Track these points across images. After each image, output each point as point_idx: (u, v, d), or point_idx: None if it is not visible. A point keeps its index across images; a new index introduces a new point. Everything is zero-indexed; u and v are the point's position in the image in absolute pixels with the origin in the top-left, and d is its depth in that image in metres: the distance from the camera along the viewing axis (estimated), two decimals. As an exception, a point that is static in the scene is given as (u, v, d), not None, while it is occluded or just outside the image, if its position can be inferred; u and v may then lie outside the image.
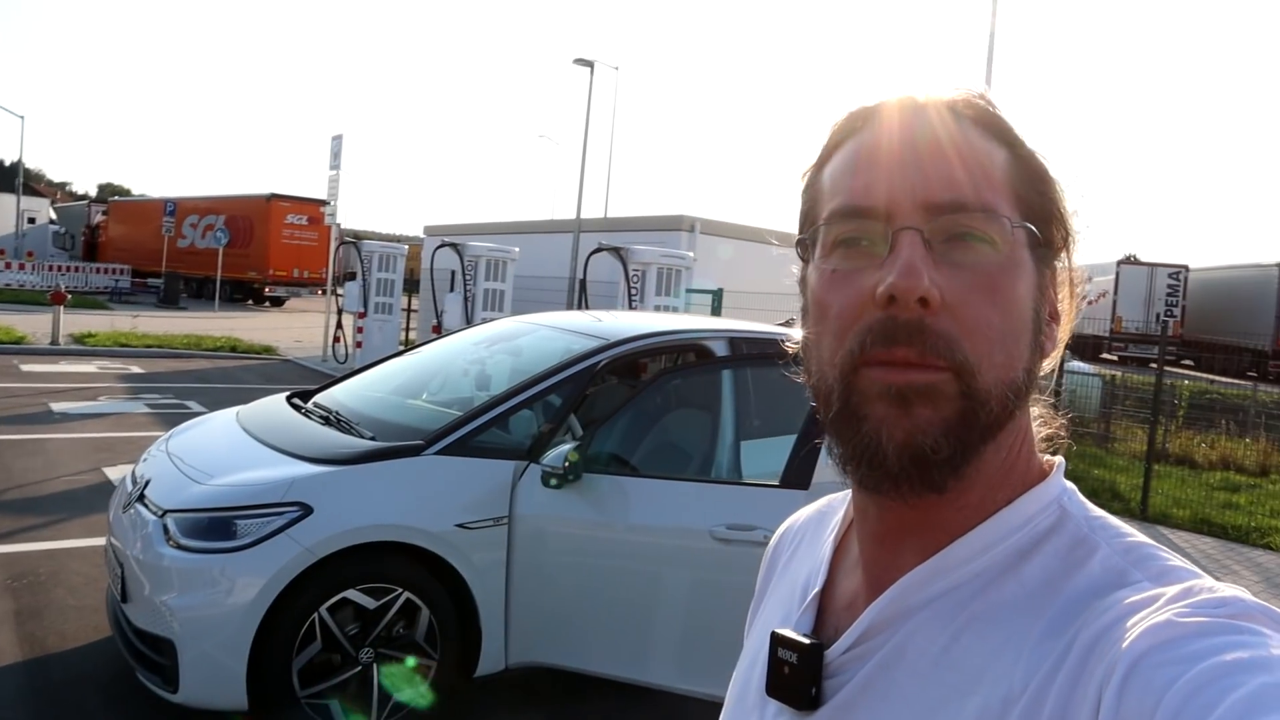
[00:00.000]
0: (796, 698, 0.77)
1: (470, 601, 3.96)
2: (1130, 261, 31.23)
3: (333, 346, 17.53)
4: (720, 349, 4.75)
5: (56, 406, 10.90)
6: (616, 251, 12.43)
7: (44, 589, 5.33)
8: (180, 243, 35.62)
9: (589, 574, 4.02)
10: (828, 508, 0.94)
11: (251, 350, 18.37)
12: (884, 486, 0.71)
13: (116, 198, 54.03)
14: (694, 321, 5.76)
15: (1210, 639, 0.57)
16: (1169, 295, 30.61)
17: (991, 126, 0.74)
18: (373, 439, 4.23)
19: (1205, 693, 0.54)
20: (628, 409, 4.34)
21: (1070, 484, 0.76)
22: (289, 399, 5.04)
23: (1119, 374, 16.37)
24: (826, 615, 0.82)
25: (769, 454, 4.27)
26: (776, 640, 0.80)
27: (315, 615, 3.73)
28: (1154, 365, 10.77)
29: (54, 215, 52.44)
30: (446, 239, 15.52)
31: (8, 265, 31.63)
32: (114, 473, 7.92)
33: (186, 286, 33.58)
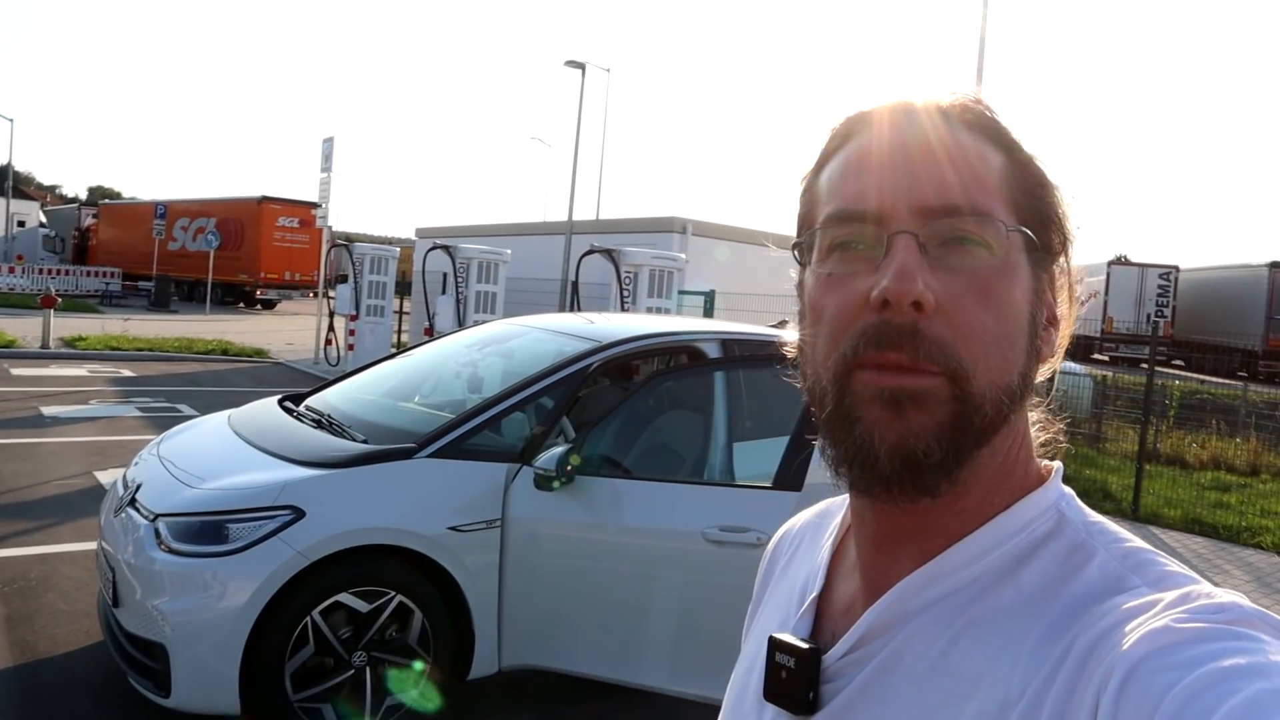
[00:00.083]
0: (794, 702, 0.77)
1: (463, 604, 3.95)
2: (1121, 262, 31.28)
3: (324, 349, 17.50)
4: (713, 351, 4.75)
5: (47, 410, 10.86)
6: (609, 253, 12.44)
7: (35, 594, 5.31)
8: (171, 246, 35.52)
9: (582, 576, 4.02)
10: (826, 512, 0.94)
11: (243, 353, 18.32)
12: (876, 489, 0.71)
13: (107, 201, 53.81)
14: (686, 323, 5.77)
15: (1208, 645, 0.57)
16: (1160, 296, 30.70)
17: (988, 131, 0.74)
18: (365, 442, 4.21)
19: (1203, 698, 0.54)
20: (620, 411, 4.33)
21: (1068, 489, 0.76)
22: (281, 402, 5.02)
23: (1110, 374, 16.42)
24: (824, 620, 0.82)
25: (761, 456, 4.27)
26: (774, 645, 0.79)
27: (308, 619, 3.72)
28: (1145, 365, 10.81)
29: (44, 218, 52.32)
30: (438, 241, 15.52)
31: (-3, 269, 31.54)
32: (105, 477, 7.89)
33: (177, 289, 33.46)
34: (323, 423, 4.54)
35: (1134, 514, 9.34)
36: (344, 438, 4.31)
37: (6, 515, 6.69)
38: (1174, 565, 0.68)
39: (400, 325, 19.75)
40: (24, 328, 18.08)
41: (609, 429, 4.29)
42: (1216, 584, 0.63)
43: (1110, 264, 31.00)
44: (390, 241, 37.75)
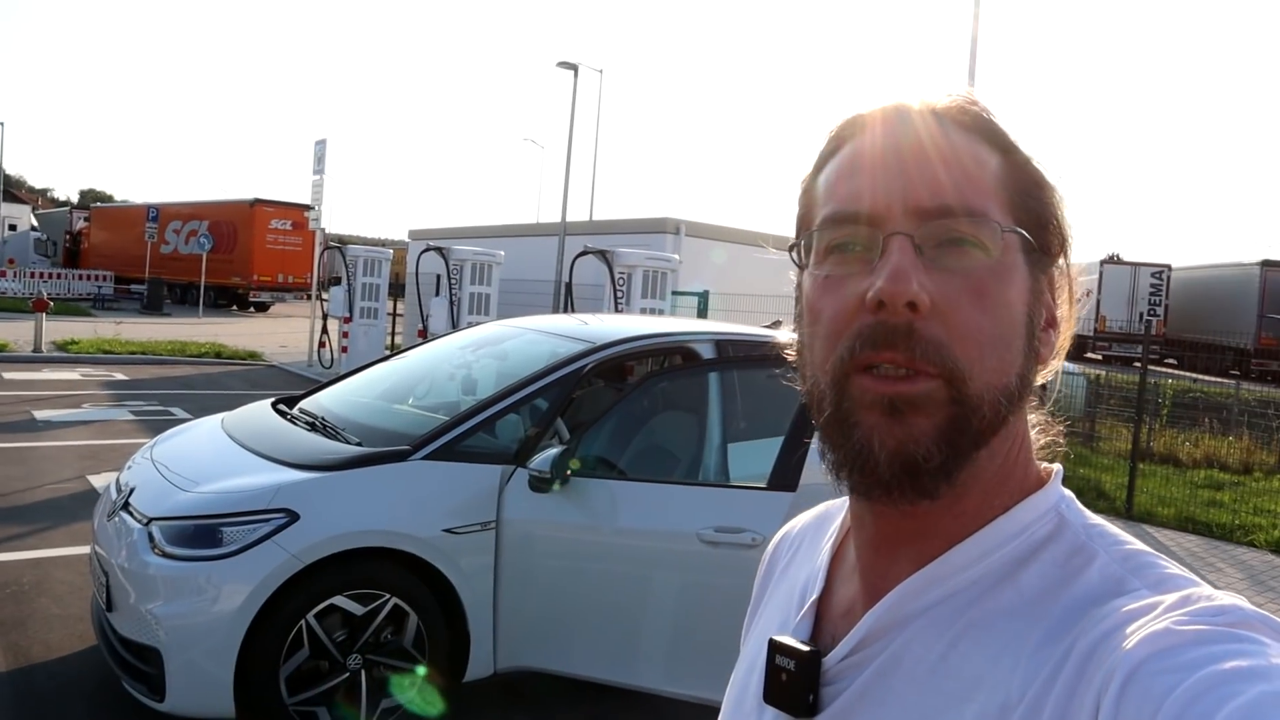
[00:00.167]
0: (794, 705, 0.76)
1: (458, 606, 3.94)
2: (1113, 261, 31.39)
3: (318, 352, 17.46)
4: (707, 351, 4.75)
5: (40, 414, 10.83)
6: (602, 254, 12.43)
7: (28, 598, 5.29)
8: (163, 249, 35.44)
9: (577, 578, 4.02)
10: (826, 514, 0.94)
11: (236, 356, 18.29)
12: (875, 493, 0.71)
13: (99, 204, 53.73)
14: (681, 324, 5.77)
15: (1209, 647, 0.57)
16: (1152, 294, 30.81)
17: (985, 132, 0.74)
18: (359, 444, 4.21)
19: (1203, 701, 0.54)
20: (614, 412, 4.33)
21: (1068, 492, 0.76)
22: (274, 405, 5.01)
23: (1103, 373, 16.46)
24: (824, 622, 0.82)
25: (756, 456, 4.27)
26: (774, 647, 0.79)
27: (303, 622, 3.72)
28: (1138, 364, 10.83)
29: (35, 222, 52.07)
30: (431, 243, 15.50)
31: (-11, 272, 31.43)
32: (98, 480, 7.87)
33: (170, 292, 33.41)
34: (316, 425, 4.54)
35: (1127, 512, 9.36)
36: (338, 440, 4.30)
37: (-1, 520, 6.67)
38: (1174, 568, 0.68)
39: (394, 327, 19.72)
40: (16, 331, 18.02)
41: (604, 430, 4.29)
42: (1210, 582, 0.63)
43: (1103, 263, 31.10)
44: (383, 243, 37.72)
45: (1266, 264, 29.17)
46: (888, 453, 0.68)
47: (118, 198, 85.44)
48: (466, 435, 4.14)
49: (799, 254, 0.78)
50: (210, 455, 4.32)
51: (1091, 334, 29.99)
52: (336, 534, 3.75)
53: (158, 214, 34.51)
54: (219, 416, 4.97)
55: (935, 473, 0.69)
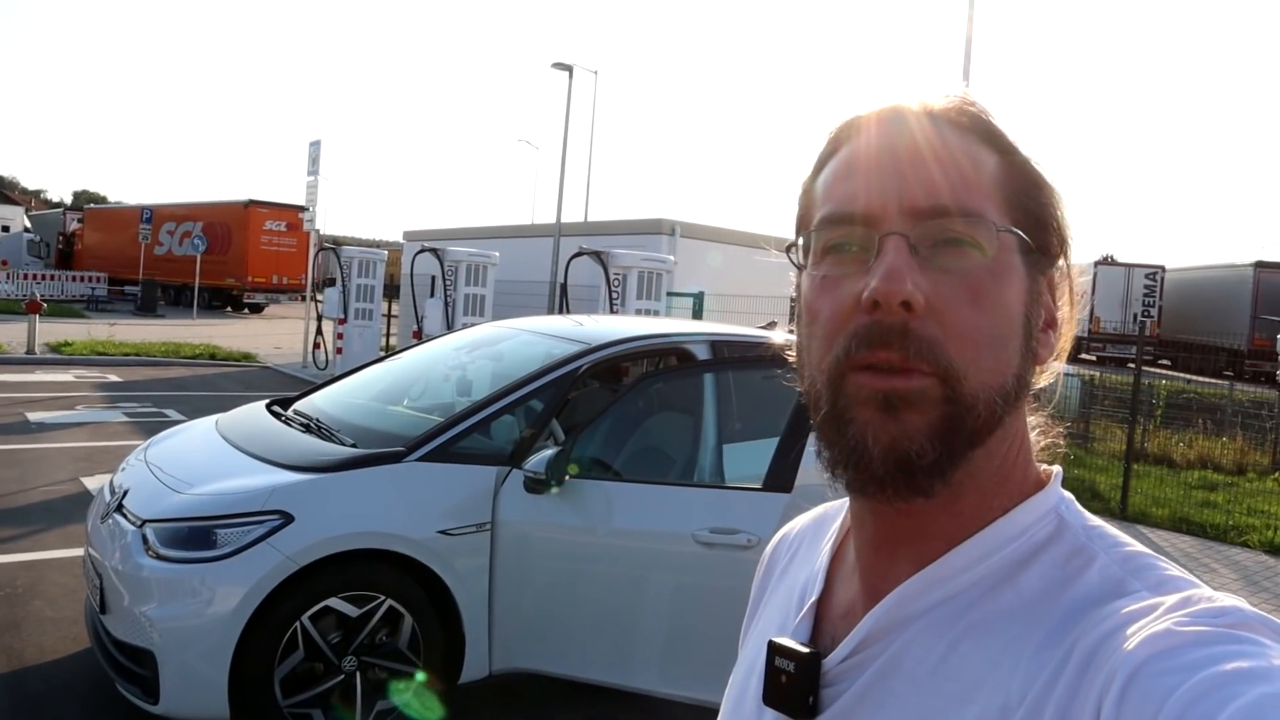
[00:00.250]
0: (793, 707, 0.76)
1: (453, 608, 3.94)
2: (1107, 262, 31.43)
3: (313, 353, 17.44)
4: (702, 352, 4.75)
5: (33, 416, 10.80)
6: (597, 255, 12.42)
7: (22, 601, 5.27)
8: (157, 250, 35.36)
9: (572, 579, 4.01)
10: (825, 515, 0.94)
11: (230, 357, 18.27)
12: (870, 490, 0.71)
13: (92, 205, 53.51)
14: (676, 325, 5.77)
15: (1209, 648, 0.57)
16: (1146, 295, 30.86)
17: (982, 133, 0.74)
18: (354, 446, 4.20)
19: (1204, 702, 0.53)
20: (610, 413, 4.33)
21: (1068, 493, 0.76)
22: (269, 406, 5.00)
23: (1097, 374, 16.48)
24: (824, 623, 0.81)
25: (751, 457, 4.27)
26: (774, 649, 0.79)
27: (297, 624, 3.71)
28: (1132, 365, 10.86)
29: (28, 223, 52.06)
30: (426, 244, 15.49)
31: (-18, 273, 31.35)
32: (92, 483, 7.84)
33: (164, 294, 33.31)
34: (311, 427, 4.53)
35: (1122, 513, 9.38)
36: (333, 442, 4.29)
37: (-8, 522, 6.65)
38: (1174, 570, 0.68)
39: (389, 328, 19.70)
40: (9, 333, 17.98)
41: (599, 431, 4.28)
42: (1204, 583, 0.63)
43: (1097, 264, 31.14)
44: (378, 244, 37.69)
45: (1260, 265, 29.23)
46: (881, 448, 0.68)
47: (111, 199, 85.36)
48: (461, 436, 4.14)
49: (797, 255, 0.78)
50: (204, 457, 4.31)
51: (1086, 335, 30.01)
52: (331, 536, 3.75)
53: (151, 215, 34.46)
54: (213, 418, 4.96)
55: (929, 470, 0.69)
